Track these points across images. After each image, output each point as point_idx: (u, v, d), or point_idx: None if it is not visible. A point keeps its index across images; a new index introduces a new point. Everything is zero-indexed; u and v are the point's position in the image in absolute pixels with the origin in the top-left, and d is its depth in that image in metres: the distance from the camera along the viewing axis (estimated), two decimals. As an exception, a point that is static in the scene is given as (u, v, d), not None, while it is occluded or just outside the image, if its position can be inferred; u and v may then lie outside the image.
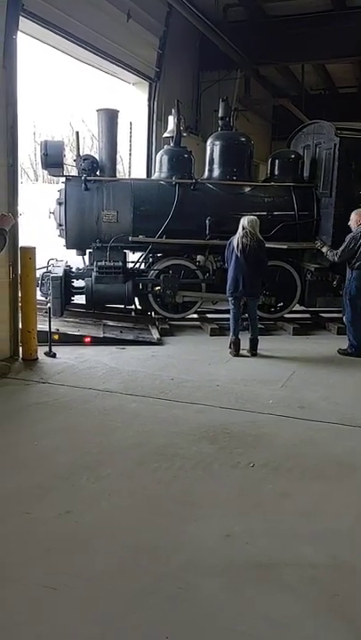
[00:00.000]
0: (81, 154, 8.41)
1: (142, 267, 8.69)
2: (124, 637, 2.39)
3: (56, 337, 6.91)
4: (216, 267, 8.55)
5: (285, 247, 8.23)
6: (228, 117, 9.01)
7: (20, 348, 6.40)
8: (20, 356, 6.38)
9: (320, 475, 3.90)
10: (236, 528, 3.20)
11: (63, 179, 8.21)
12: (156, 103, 11.35)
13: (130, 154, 11.62)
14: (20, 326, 6.38)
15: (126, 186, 8.37)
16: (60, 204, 8.22)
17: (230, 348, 6.95)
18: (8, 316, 6.32)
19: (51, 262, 8.41)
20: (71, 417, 4.82)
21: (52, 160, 7.92)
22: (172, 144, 8.84)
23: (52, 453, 4.07)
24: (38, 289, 7.58)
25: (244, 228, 6.79)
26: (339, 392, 5.70)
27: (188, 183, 8.42)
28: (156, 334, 7.78)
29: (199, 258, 8.75)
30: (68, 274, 8.11)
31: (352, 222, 7.27)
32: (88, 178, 8.07)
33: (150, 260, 8.72)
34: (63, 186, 8.18)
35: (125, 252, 8.48)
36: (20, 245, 6.32)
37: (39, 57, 12.99)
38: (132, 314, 8.91)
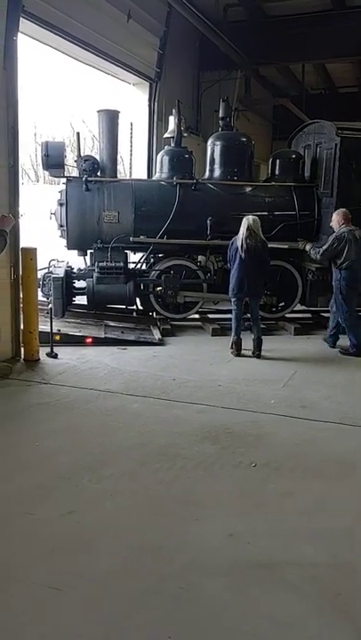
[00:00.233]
0: (82, 154, 8.40)
1: (143, 267, 8.69)
2: (128, 637, 2.40)
3: (57, 338, 6.92)
4: (217, 267, 8.54)
5: (286, 247, 8.23)
6: (229, 117, 9.01)
7: (22, 349, 6.41)
8: (22, 356, 6.39)
9: (322, 474, 3.91)
10: (238, 528, 3.21)
11: (64, 179, 8.20)
12: (156, 103, 11.35)
13: (130, 154, 11.63)
14: (22, 327, 6.39)
15: (127, 186, 8.37)
16: (61, 204, 8.22)
17: (232, 348, 6.96)
18: (9, 317, 6.33)
19: (52, 263, 8.40)
20: (73, 417, 4.83)
21: (52, 161, 7.92)
22: (172, 144, 8.84)
23: (54, 454, 4.08)
24: (39, 290, 7.58)
25: (249, 229, 6.78)
26: (340, 391, 5.71)
27: (189, 183, 8.42)
28: (157, 335, 7.78)
29: (200, 258, 8.75)
30: (70, 274, 8.11)
31: (334, 223, 7.34)
32: (89, 178, 8.07)
33: (151, 260, 8.72)
34: (64, 187, 8.18)
35: (126, 253, 8.48)
36: (21, 246, 6.33)
37: (40, 58, 13.03)
38: (134, 314, 8.91)
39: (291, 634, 2.43)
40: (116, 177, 8.68)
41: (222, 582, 2.75)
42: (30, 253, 6.33)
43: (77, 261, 8.68)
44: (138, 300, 8.70)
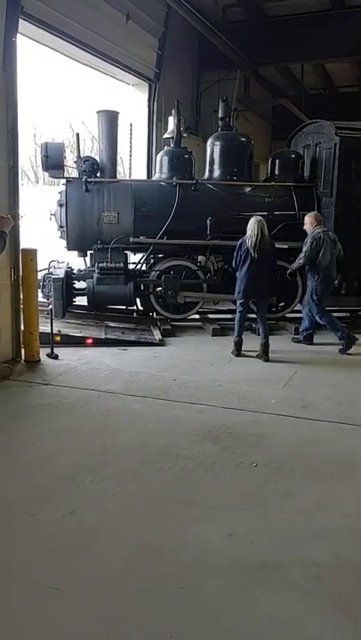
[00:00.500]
0: (81, 155, 8.41)
1: (143, 268, 8.69)
2: (129, 637, 2.39)
3: (58, 338, 6.92)
4: (217, 267, 8.55)
5: (286, 247, 8.22)
6: (228, 118, 9.02)
7: (23, 350, 6.41)
8: (23, 357, 6.39)
9: (323, 474, 3.90)
10: (239, 528, 3.20)
11: (64, 180, 8.22)
12: (155, 104, 11.37)
13: (130, 155, 11.65)
14: (22, 328, 6.39)
15: (127, 187, 8.38)
16: (60, 205, 8.23)
17: (235, 348, 6.95)
18: (10, 318, 6.33)
19: (52, 264, 8.41)
20: (74, 418, 4.83)
21: (52, 162, 7.93)
22: (172, 145, 8.85)
23: (55, 454, 4.08)
24: (40, 291, 7.59)
25: (261, 230, 6.74)
26: (341, 391, 5.71)
27: (189, 184, 8.42)
28: (157, 335, 7.78)
29: (200, 258, 8.75)
30: (70, 275, 8.11)
31: (307, 225, 7.44)
32: (89, 179, 8.07)
33: (151, 260, 8.73)
34: (64, 187, 8.19)
35: (126, 253, 8.49)
36: (21, 247, 6.33)
37: (39, 59, 13.03)
38: (134, 315, 8.92)
39: (291, 634, 2.42)
40: (116, 177, 8.68)
41: (223, 582, 2.74)
42: (30, 254, 6.33)
43: (77, 262, 8.69)
44: (138, 300, 8.70)
